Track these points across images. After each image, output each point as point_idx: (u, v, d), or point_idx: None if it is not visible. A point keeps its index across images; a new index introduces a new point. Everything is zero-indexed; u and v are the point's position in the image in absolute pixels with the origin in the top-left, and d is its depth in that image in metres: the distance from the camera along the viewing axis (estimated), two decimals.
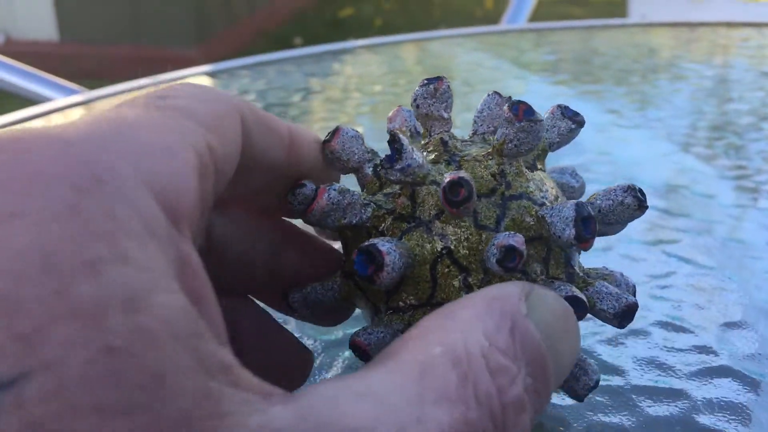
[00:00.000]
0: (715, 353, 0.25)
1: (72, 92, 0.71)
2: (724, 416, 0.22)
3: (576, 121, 0.21)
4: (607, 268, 0.20)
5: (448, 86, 0.21)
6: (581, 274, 0.19)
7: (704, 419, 0.22)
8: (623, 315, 0.18)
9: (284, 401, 0.12)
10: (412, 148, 0.19)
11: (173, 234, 0.12)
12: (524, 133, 0.19)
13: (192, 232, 0.13)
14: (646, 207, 0.19)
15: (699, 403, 0.22)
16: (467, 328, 0.14)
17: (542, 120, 0.19)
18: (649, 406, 0.22)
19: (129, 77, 0.63)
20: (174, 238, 0.12)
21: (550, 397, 0.15)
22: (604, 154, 0.44)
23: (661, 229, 0.34)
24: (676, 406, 0.22)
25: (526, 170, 0.19)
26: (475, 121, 0.22)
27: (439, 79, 0.21)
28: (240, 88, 0.60)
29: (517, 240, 0.17)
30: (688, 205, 0.37)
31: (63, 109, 0.56)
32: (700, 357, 0.25)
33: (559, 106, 0.21)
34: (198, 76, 0.64)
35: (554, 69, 0.65)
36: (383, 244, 0.17)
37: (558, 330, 0.15)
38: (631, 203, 0.19)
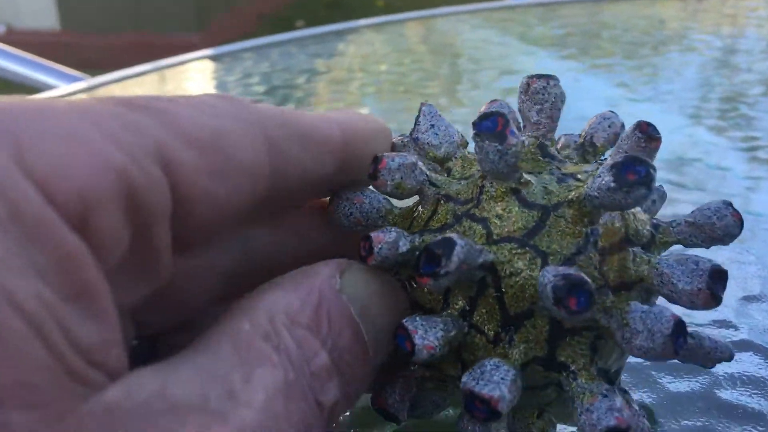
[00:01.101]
0: (735, 327, 0.25)
1: (75, 79, 0.71)
2: (746, 390, 0.21)
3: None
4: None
5: (544, 87, 0.18)
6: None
7: (726, 394, 0.21)
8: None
9: (112, 384, 0.12)
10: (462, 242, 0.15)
11: (54, 223, 0.12)
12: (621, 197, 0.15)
13: (102, 229, 0.12)
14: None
15: (720, 378, 0.22)
16: (271, 306, 0.15)
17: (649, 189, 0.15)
18: (670, 383, 0.22)
19: (131, 65, 0.62)
20: (54, 227, 0.12)
21: (375, 363, 0.16)
22: None
23: (676, 203, 0.34)
24: (697, 381, 0.22)
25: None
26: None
27: (541, 76, 0.18)
28: (244, 71, 0.60)
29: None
30: (702, 178, 0.37)
31: (66, 97, 0.56)
32: (720, 331, 0.24)
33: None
34: (201, 60, 0.63)
35: (563, 43, 0.64)
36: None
37: (375, 303, 0.16)
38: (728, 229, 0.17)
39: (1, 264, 0.11)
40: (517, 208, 0.17)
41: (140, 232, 0.13)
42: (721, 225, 0.17)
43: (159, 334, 0.18)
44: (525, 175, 0.17)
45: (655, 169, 0.15)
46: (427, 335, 0.16)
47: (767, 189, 0.36)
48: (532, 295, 0.16)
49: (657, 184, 0.19)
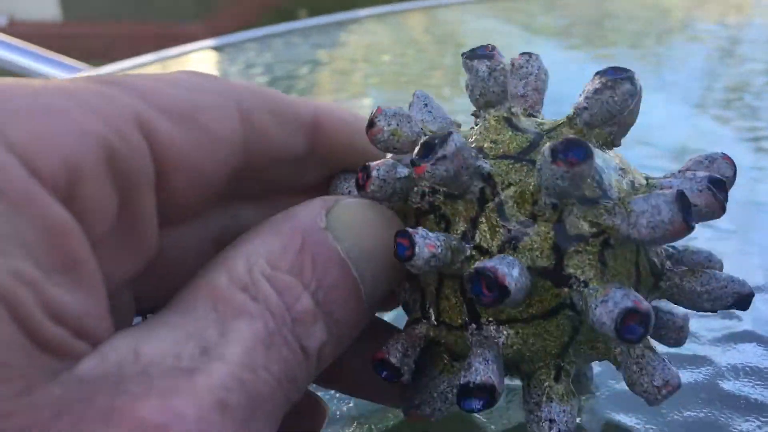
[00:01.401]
0: (739, 318, 0.24)
1: (77, 70, 0.71)
2: (749, 381, 0.21)
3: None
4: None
5: (527, 60, 0.19)
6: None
7: (728, 385, 0.21)
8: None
9: (90, 352, 0.12)
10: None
11: (36, 195, 0.12)
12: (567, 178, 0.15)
13: (85, 201, 0.12)
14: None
15: (723, 369, 0.22)
16: (249, 254, 0.14)
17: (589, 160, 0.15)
18: None
19: (134, 55, 0.62)
20: (37, 199, 0.12)
21: (370, 302, 0.15)
22: None
23: None
24: (700, 372, 0.22)
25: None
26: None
27: (523, 54, 0.19)
28: (246, 62, 0.59)
29: None
30: None
31: None
32: (723, 322, 0.24)
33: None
34: (204, 51, 0.63)
35: (567, 33, 0.64)
36: None
37: (366, 237, 0.15)
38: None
39: None
40: (510, 133, 0.17)
41: (126, 200, 0.13)
42: (715, 169, 0.17)
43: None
44: (514, 109, 0.18)
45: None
46: (428, 236, 0.15)
47: None
48: (533, 197, 0.16)
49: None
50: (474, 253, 0.16)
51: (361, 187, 0.17)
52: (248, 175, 0.16)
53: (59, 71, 0.74)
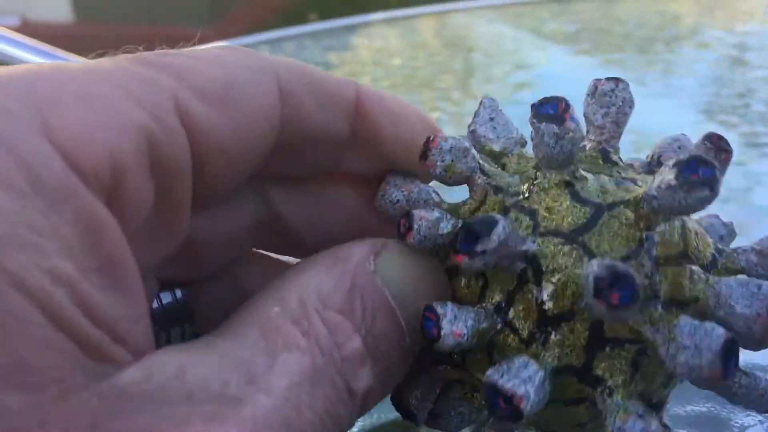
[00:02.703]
0: None
1: None
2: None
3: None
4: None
5: (612, 89, 0.17)
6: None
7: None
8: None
9: (132, 363, 0.12)
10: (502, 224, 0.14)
11: (78, 190, 0.11)
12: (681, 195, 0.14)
13: (126, 195, 0.12)
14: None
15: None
16: (302, 289, 0.14)
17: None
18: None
19: None
20: (78, 194, 0.11)
21: (413, 350, 0.15)
22: (628, 124, 0.43)
23: None
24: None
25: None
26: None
27: (610, 79, 0.17)
28: None
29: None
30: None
31: None
32: None
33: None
34: None
35: (576, 39, 0.64)
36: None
37: (412, 286, 0.15)
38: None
39: (7, 241, 0.10)
40: (568, 202, 0.15)
41: (163, 189, 0.13)
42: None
43: (191, 285, 0.17)
44: (581, 171, 0.16)
45: (721, 173, 0.14)
46: (456, 321, 0.15)
47: None
48: (574, 294, 0.15)
49: (727, 220, 0.18)
50: (506, 329, 0.15)
51: (401, 236, 0.16)
52: (284, 156, 0.16)
53: None
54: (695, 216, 0.16)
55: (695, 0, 0.75)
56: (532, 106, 0.15)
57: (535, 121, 0.15)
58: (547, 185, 0.16)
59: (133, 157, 0.12)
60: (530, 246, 0.15)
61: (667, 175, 0.14)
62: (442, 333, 0.15)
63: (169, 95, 0.13)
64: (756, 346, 0.16)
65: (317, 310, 0.14)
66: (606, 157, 0.17)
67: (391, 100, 0.17)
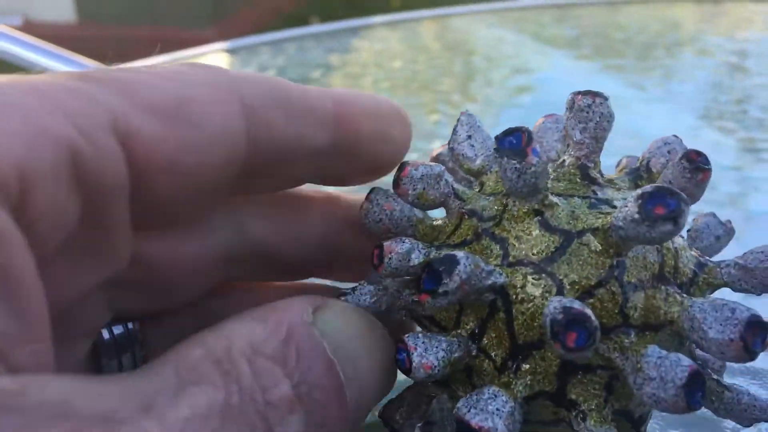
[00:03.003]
0: None
1: (87, 68, 0.72)
2: (744, 381, 0.22)
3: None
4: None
5: (589, 105, 0.17)
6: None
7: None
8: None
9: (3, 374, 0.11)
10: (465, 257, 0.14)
11: None
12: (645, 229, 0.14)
13: (36, 208, 0.11)
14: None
15: None
16: (232, 335, 0.13)
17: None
18: None
19: (147, 58, 0.63)
20: None
21: (356, 410, 0.14)
22: (626, 128, 0.44)
23: None
24: None
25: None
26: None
27: (588, 93, 0.17)
28: (260, 64, 0.60)
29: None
30: (713, 178, 0.37)
31: None
32: None
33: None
34: (217, 53, 0.64)
35: (576, 44, 0.64)
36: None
37: (355, 343, 0.15)
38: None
39: None
40: (537, 231, 0.15)
41: (93, 208, 0.13)
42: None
43: (162, 317, 0.17)
44: (551, 197, 0.16)
45: (687, 204, 0.14)
46: (427, 353, 0.15)
47: None
48: (543, 326, 0.14)
49: (725, 219, 0.18)
50: (480, 354, 0.16)
51: (374, 266, 0.16)
52: (259, 174, 0.15)
53: (72, 68, 0.75)
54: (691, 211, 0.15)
55: (696, 7, 0.75)
56: (496, 137, 0.15)
57: (497, 155, 0.15)
58: (516, 213, 0.16)
59: (49, 170, 0.11)
60: (497, 278, 0.15)
61: (631, 207, 0.14)
62: (413, 366, 0.15)
63: (105, 110, 0.12)
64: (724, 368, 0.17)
65: (245, 355, 0.13)
66: (585, 174, 0.17)
67: (370, 100, 0.17)
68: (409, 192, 0.17)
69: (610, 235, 0.15)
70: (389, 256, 0.16)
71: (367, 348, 0.15)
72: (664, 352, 0.14)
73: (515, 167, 0.15)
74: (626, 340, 0.15)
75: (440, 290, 0.14)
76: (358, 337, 0.15)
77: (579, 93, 0.17)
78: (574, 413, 0.15)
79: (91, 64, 0.77)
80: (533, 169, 0.15)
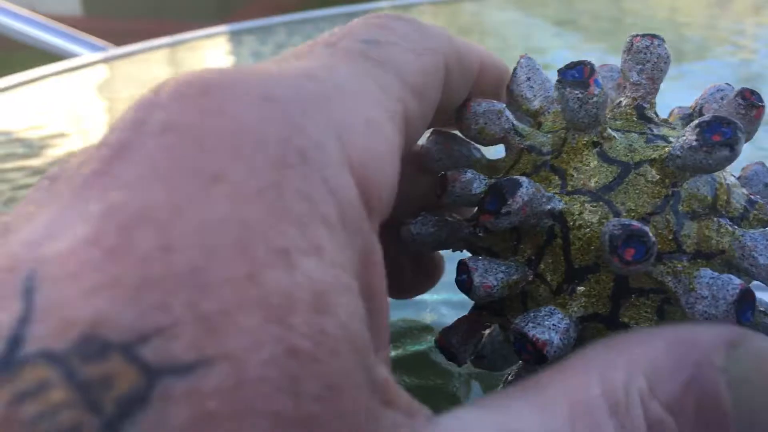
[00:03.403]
0: None
1: (98, 48, 0.73)
2: None
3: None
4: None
5: (647, 46, 0.17)
6: None
7: None
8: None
9: (426, 424, 0.10)
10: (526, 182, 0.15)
11: (364, 224, 0.11)
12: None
13: (381, 221, 0.12)
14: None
15: None
16: (633, 368, 0.12)
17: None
18: None
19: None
20: (364, 228, 0.11)
21: None
22: None
23: None
24: None
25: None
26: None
27: (646, 35, 0.17)
28: (276, 43, 0.61)
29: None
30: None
31: (92, 64, 0.58)
32: None
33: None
34: (237, 34, 0.65)
35: (587, 27, 0.65)
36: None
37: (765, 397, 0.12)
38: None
39: (340, 279, 0.10)
40: (595, 162, 0.16)
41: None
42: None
43: None
44: (610, 131, 0.16)
45: (742, 132, 0.14)
46: (487, 274, 0.16)
47: None
48: (599, 249, 0.15)
49: None
50: (537, 280, 0.16)
51: (437, 196, 0.17)
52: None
53: (81, 48, 0.75)
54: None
55: None
56: (559, 71, 0.16)
57: (560, 86, 0.16)
58: (575, 145, 0.16)
59: (392, 188, 0.12)
60: (557, 204, 0.16)
61: (689, 135, 0.15)
62: (474, 285, 0.16)
63: (397, 98, 0.13)
64: None
65: (642, 397, 0.11)
66: (641, 114, 0.17)
67: (500, 61, 0.17)
68: (471, 126, 0.17)
69: (666, 165, 0.15)
70: (452, 184, 0.16)
71: None
72: (716, 273, 0.14)
73: (578, 97, 0.16)
74: (679, 266, 0.15)
75: (503, 210, 0.15)
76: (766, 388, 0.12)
77: (637, 35, 0.17)
78: None
79: (96, 42, 0.77)
80: (595, 99, 0.16)
